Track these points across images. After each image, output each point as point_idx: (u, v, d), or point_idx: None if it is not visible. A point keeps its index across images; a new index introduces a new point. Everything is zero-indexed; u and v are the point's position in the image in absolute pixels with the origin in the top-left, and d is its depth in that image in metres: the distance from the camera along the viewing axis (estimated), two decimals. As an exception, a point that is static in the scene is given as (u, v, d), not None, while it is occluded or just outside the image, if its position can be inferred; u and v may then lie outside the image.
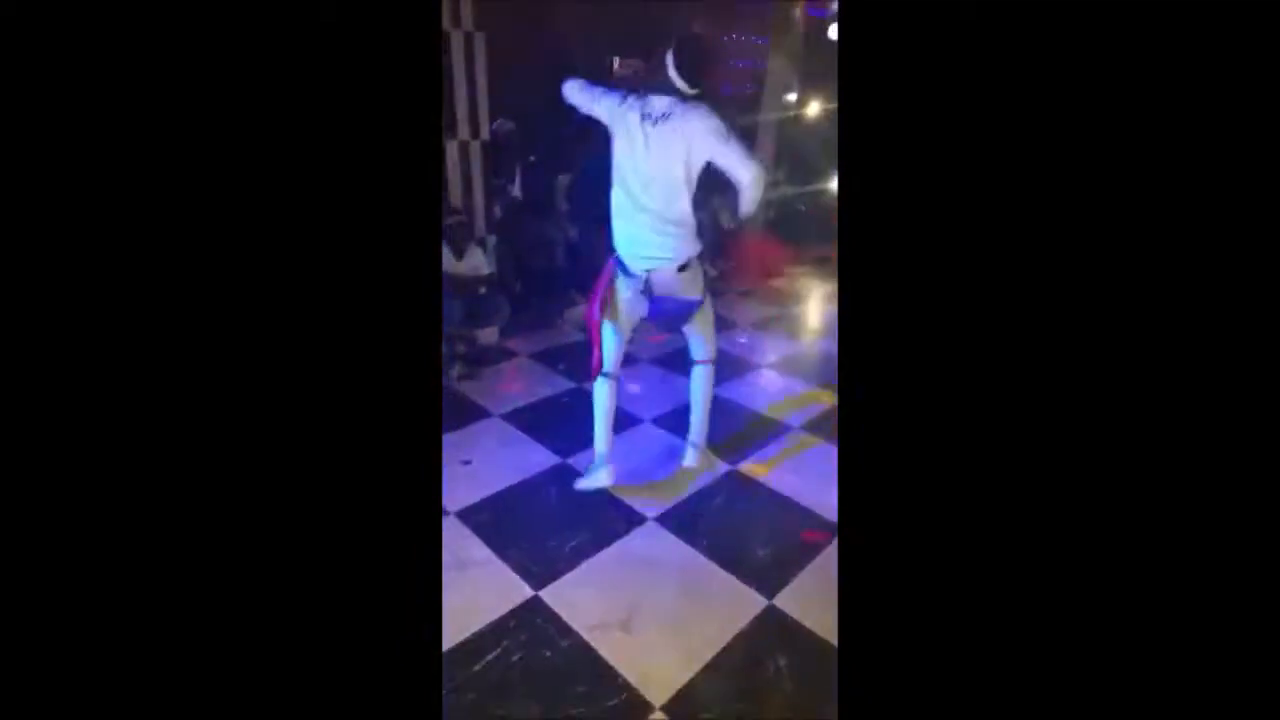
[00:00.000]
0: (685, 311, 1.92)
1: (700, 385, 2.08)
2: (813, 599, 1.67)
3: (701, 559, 1.80)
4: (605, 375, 1.95)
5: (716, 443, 2.35)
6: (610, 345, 1.93)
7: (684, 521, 1.95)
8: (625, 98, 1.73)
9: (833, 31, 5.17)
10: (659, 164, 1.68)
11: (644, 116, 1.68)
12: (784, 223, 4.90)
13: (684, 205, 1.73)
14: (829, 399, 2.79)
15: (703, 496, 2.08)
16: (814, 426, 2.56)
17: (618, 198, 1.78)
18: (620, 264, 1.85)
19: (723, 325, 3.60)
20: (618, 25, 5.61)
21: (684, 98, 1.68)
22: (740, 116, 5.04)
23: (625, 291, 1.88)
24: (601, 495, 2.04)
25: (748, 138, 4.67)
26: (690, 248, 1.80)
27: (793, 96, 4.58)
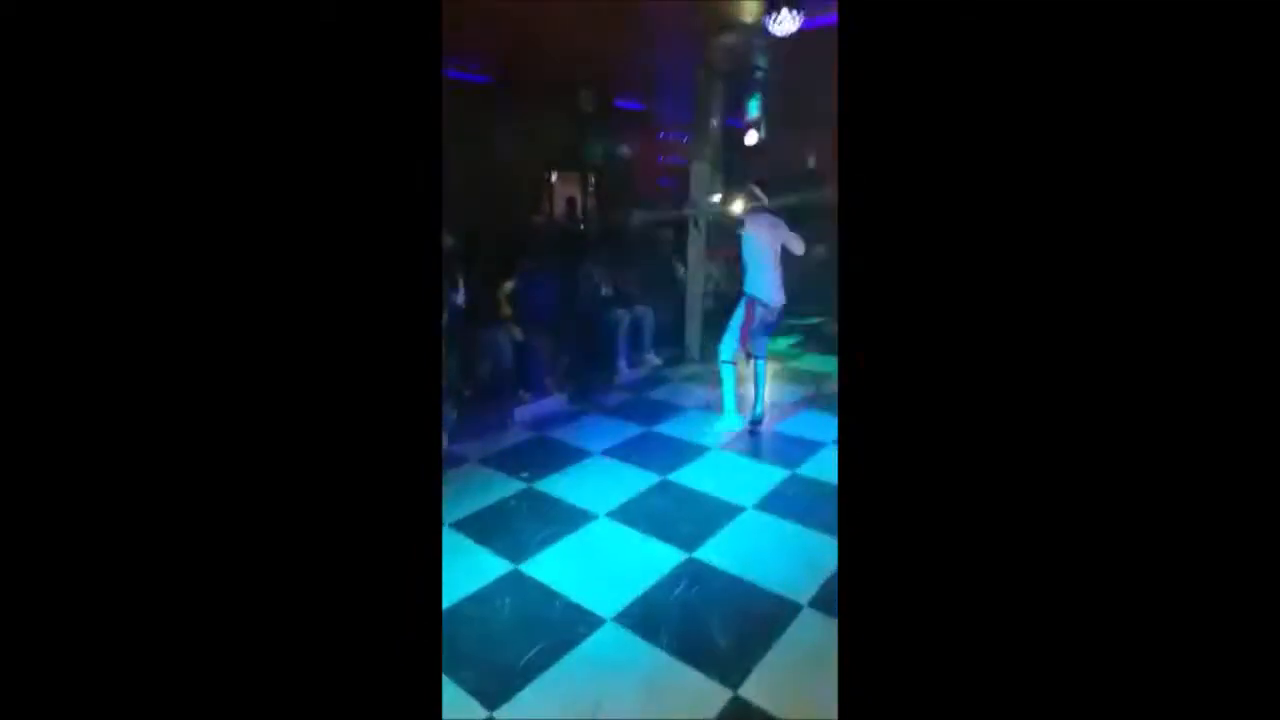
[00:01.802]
0: (780, 321, 3.43)
1: (763, 372, 3.34)
2: (779, 683, 1.64)
3: (663, 656, 1.76)
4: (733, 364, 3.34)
5: (674, 530, 2.35)
6: (735, 342, 3.27)
7: (642, 618, 1.91)
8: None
9: (748, 138, 5.69)
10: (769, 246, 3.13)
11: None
12: (722, 304, 5.14)
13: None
14: (779, 476, 2.84)
15: (661, 589, 2.05)
16: (763, 505, 2.59)
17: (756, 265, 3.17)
18: (759, 300, 3.17)
19: (671, 411, 3.68)
20: (554, 143, 6.04)
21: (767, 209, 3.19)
22: (673, 213, 5.40)
23: (761, 312, 3.19)
24: (557, 600, 1.99)
25: (680, 230, 4.99)
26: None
27: (716, 196, 4.96)
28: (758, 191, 3.13)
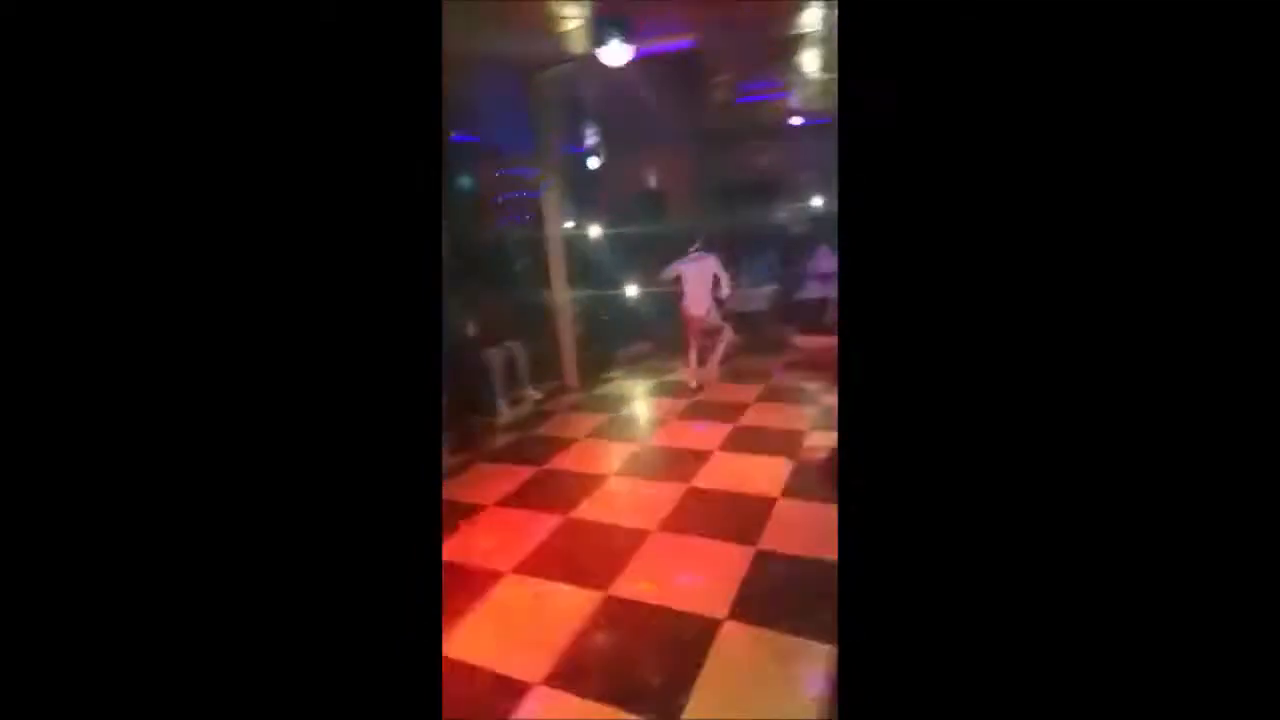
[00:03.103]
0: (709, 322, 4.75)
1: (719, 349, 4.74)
2: (716, 704, 1.65)
3: (592, 706, 1.70)
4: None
5: (586, 571, 2.29)
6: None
7: (570, 673, 1.83)
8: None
9: (591, 162, 5.80)
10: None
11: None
12: (592, 329, 5.17)
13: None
14: (676, 495, 2.89)
15: (583, 637, 1.99)
16: (667, 525, 2.62)
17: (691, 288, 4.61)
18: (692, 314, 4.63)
19: (561, 445, 3.62)
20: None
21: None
22: (528, 242, 5.34)
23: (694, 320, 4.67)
24: (478, 675, 1.86)
25: (538, 256, 4.95)
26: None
27: (569, 222, 5.00)
28: (698, 245, 4.66)
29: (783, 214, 7.17)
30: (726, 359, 4.86)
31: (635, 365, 5.55)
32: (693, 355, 4.65)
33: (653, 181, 7.55)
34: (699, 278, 4.55)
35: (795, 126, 6.39)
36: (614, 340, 5.73)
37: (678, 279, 4.60)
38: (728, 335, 4.77)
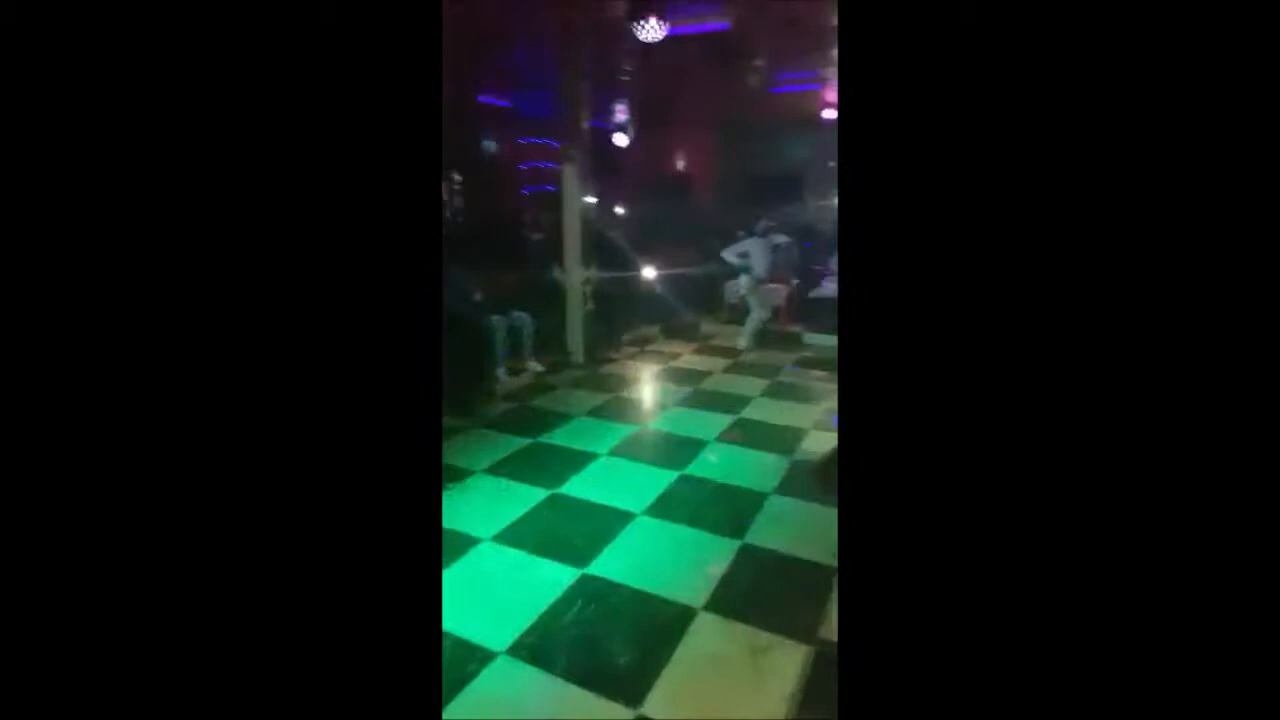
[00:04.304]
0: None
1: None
2: (680, 694, 1.62)
3: (560, 684, 1.68)
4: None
5: (566, 547, 2.27)
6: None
7: (537, 647, 1.81)
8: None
9: (618, 139, 5.71)
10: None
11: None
12: (602, 308, 5.12)
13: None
14: (668, 478, 2.86)
15: (555, 613, 1.97)
16: (654, 510, 2.59)
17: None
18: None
19: (558, 420, 3.59)
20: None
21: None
22: (546, 214, 5.28)
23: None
24: (444, 639, 1.84)
25: (554, 231, 4.89)
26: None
27: (590, 198, 4.93)
28: (766, 223, 5.55)
29: (808, 209, 7.05)
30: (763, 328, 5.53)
31: (643, 348, 5.50)
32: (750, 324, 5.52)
33: (680, 165, 7.44)
34: (761, 253, 5.46)
35: (828, 121, 6.25)
36: (624, 321, 5.68)
37: (744, 254, 5.39)
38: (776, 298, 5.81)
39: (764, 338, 5.50)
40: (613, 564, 2.20)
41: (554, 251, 4.90)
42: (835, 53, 4.03)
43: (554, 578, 2.12)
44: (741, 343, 5.41)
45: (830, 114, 6.00)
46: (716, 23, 3.56)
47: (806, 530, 2.42)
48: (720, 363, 4.98)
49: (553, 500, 2.67)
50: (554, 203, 5.00)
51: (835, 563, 2.10)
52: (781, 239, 5.65)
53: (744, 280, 5.56)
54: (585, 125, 4.85)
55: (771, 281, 5.93)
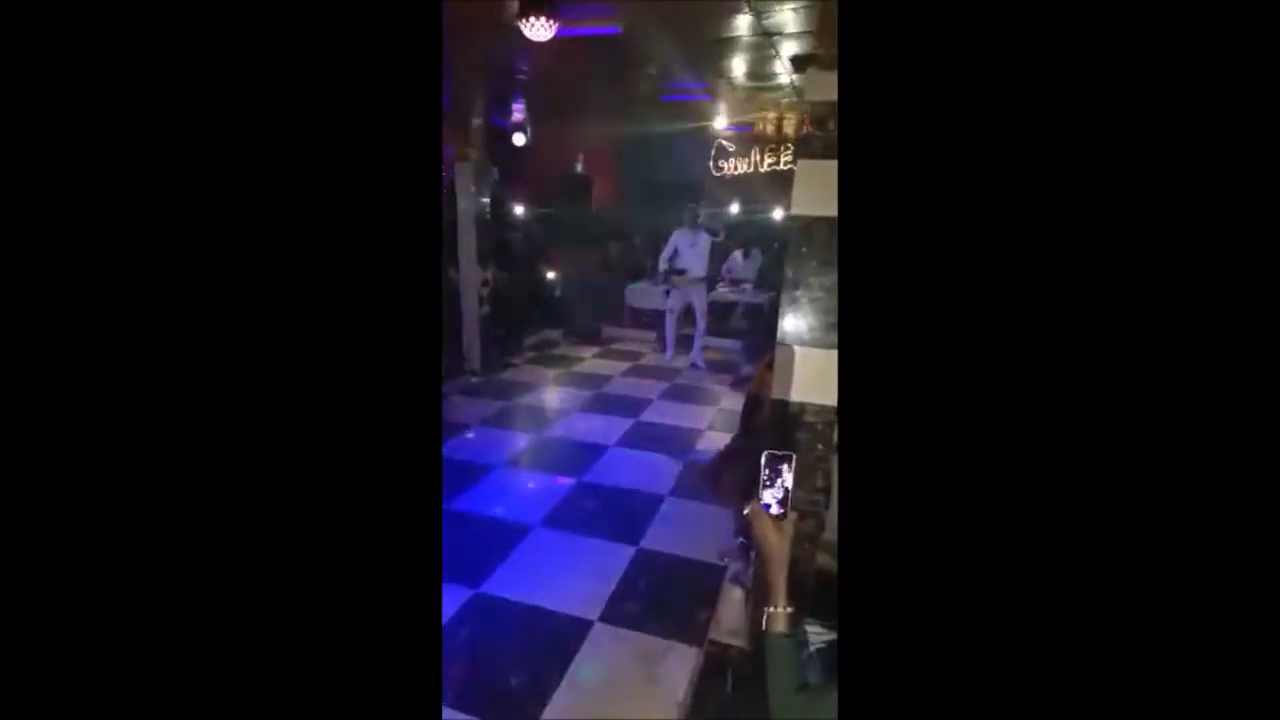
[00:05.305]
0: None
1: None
2: (575, 713, 1.61)
3: (450, 714, 1.61)
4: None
5: (459, 564, 2.19)
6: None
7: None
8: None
9: (516, 138, 5.59)
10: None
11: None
12: (502, 311, 4.99)
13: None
14: (567, 485, 2.83)
15: (447, 635, 1.89)
16: (552, 520, 2.56)
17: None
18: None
19: (450, 430, 3.45)
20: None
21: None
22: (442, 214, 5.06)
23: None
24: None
25: (449, 233, 4.70)
26: None
27: (485, 198, 4.78)
28: (693, 208, 5.41)
29: (705, 215, 7.24)
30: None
31: (542, 353, 5.42)
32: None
33: (580, 168, 7.40)
34: (693, 249, 5.28)
35: (719, 131, 6.45)
36: (523, 325, 5.57)
37: (673, 256, 5.23)
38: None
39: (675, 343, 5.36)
40: (507, 581, 2.15)
41: (449, 251, 4.72)
42: (723, 64, 4.17)
43: (446, 598, 2.03)
44: (667, 355, 5.32)
45: (719, 125, 6.18)
46: (608, 26, 3.55)
47: (699, 530, 2.48)
48: (621, 366, 5.01)
49: (445, 517, 2.56)
50: (448, 200, 4.80)
51: (723, 562, 2.17)
52: (753, 250, 5.83)
53: (674, 295, 5.27)
54: (478, 122, 4.69)
55: (736, 284, 5.94)
